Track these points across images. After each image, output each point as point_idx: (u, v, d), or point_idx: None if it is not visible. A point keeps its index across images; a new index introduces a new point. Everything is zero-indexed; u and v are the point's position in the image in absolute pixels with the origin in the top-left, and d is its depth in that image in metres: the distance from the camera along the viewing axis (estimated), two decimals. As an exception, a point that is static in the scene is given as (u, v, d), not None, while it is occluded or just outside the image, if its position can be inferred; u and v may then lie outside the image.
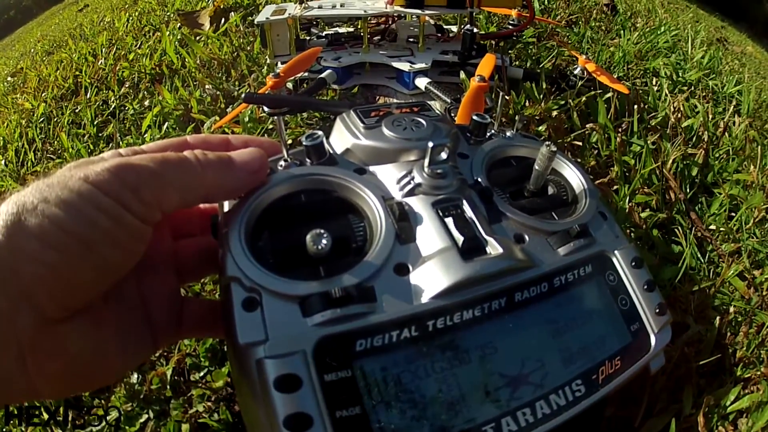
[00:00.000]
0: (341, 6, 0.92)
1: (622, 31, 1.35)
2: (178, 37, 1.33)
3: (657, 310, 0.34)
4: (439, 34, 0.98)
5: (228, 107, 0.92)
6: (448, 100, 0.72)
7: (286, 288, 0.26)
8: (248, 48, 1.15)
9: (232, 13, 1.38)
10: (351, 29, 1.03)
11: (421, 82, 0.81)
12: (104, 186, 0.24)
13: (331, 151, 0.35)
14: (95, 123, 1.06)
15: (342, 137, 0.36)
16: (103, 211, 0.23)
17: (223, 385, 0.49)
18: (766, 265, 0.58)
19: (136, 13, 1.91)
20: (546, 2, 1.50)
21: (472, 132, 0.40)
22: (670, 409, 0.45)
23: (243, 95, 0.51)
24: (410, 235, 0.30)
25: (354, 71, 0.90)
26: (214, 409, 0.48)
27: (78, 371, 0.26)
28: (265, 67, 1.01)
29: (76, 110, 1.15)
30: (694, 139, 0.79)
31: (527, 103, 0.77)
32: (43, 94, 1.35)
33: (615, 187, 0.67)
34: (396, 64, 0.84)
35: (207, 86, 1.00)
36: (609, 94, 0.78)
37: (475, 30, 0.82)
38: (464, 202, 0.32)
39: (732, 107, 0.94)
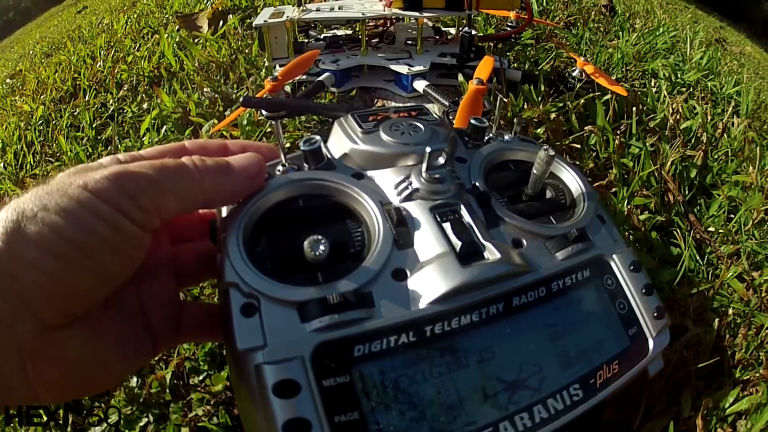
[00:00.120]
0: (339, 9, 0.92)
1: (620, 33, 1.35)
2: (177, 40, 1.33)
3: (655, 314, 0.34)
4: (437, 37, 0.98)
5: (226, 110, 0.92)
6: (447, 103, 0.72)
7: (285, 294, 0.26)
8: (246, 51, 1.15)
9: (230, 15, 1.39)
10: (349, 32, 1.03)
11: (420, 85, 0.81)
12: (103, 194, 0.24)
13: (329, 156, 0.35)
14: (94, 126, 1.06)
15: (340, 142, 0.37)
16: (102, 219, 0.24)
17: (222, 388, 0.49)
18: (765, 267, 0.58)
19: (135, 16, 1.91)
20: (544, 3, 1.50)
21: (470, 136, 0.40)
22: (669, 411, 0.45)
23: (241, 99, 0.51)
24: (408, 240, 0.30)
25: (352, 74, 0.90)
26: (214, 413, 0.48)
27: (78, 377, 0.26)
28: (264, 70, 1.01)
29: (75, 113, 1.15)
30: (692, 140, 0.79)
31: (525, 106, 0.77)
32: (41, 97, 1.35)
33: (613, 189, 0.67)
34: (394, 67, 0.84)
35: (205, 89, 1.00)
36: (607, 96, 0.78)
37: (474, 32, 0.82)
38: (462, 206, 0.32)
39: (731, 108, 0.94)
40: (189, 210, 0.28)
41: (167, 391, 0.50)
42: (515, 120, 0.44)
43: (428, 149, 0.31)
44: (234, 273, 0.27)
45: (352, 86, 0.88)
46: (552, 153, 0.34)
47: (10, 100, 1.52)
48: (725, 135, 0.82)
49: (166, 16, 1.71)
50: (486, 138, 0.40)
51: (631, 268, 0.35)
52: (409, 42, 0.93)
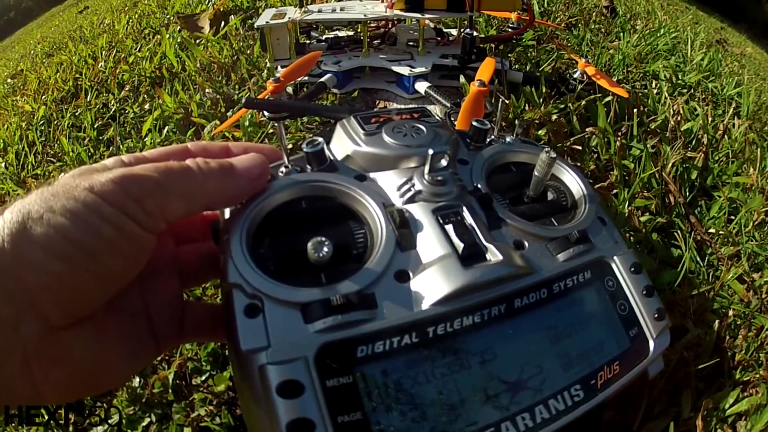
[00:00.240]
0: (341, 10, 0.92)
1: (621, 34, 1.35)
2: (178, 40, 1.33)
3: (656, 315, 0.35)
4: (439, 38, 0.98)
5: (228, 111, 0.92)
6: (448, 105, 0.73)
7: (288, 295, 0.26)
8: (248, 51, 1.15)
9: (232, 16, 1.39)
10: (351, 33, 1.03)
11: (421, 86, 0.81)
12: (109, 196, 0.24)
13: (332, 158, 0.35)
14: (95, 126, 1.07)
15: (342, 144, 0.37)
16: (107, 222, 0.24)
17: (224, 389, 0.49)
18: (766, 268, 0.58)
19: (136, 16, 1.92)
20: (545, 5, 1.50)
21: (472, 138, 0.40)
22: (669, 412, 0.45)
23: (243, 100, 0.52)
24: (410, 242, 0.30)
25: (354, 75, 0.90)
26: (216, 413, 0.48)
27: (82, 376, 0.26)
28: (265, 71, 1.01)
29: (77, 113, 1.16)
30: (693, 142, 0.79)
31: (527, 107, 0.77)
32: (43, 97, 1.35)
33: (614, 191, 0.67)
34: (396, 68, 0.84)
35: (207, 90, 1.00)
36: (608, 98, 0.78)
37: (475, 33, 0.82)
38: (464, 208, 0.32)
39: (731, 109, 0.94)
40: (193, 212, 0.28)
41: (170, 391, 0.50)
42: (517, 122, 0.44)
43: (431, 151, 0.31)
44: (237, 274, 0.27)
45: (353, 87, 0.88)
46: (553, 155, 0.35)
47: (11, 100, 1.52)
48: (726, 136, 0.82)
49: (168, 16, 1.72)
50: (488, 140, 0.40)
51: (632, 269, 0.35)
52: (411, 43, 0.93)
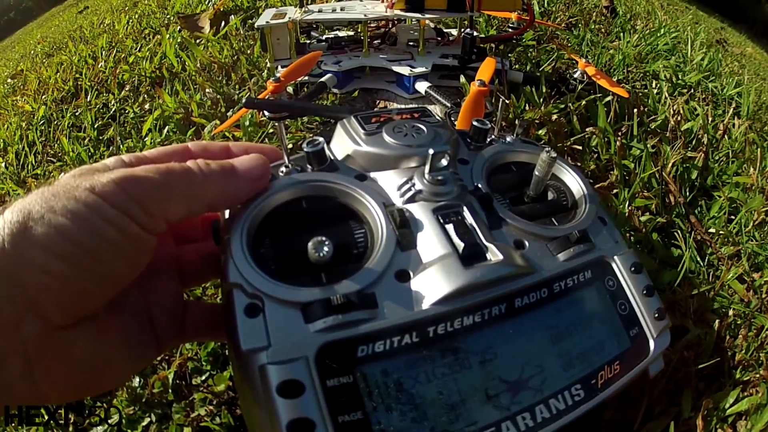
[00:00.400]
0: (341, 10, 0.92)
1: (621, 34, 1.35)
2: (178, 40, 1.33)
3: (656, 315, 0.35)
4: (439, 38, 0.98)
5: (228, 111, 0.92)
6: (449, 104, 0.73)
7: (288, 294, 0.26)
8: (248, 51, 1.15)
9: (232, 16, 1.39)
10: (351, 33, 1.03)
11: (422, 86, 0.81)
12: (111, 197, 0.24)
13: (332, 158, 0.35)
14: (96, 126, 1.07)
15: (343, 143, 0.37)
16: (109, 222, 0.24)
17: (224, 388, 0.49)
18: (766, 268, 0.58)
19: (136, 16, 1.91)
20: (545, 5, 1.50)
21: (473, 137, 0.40)
22: (669, 412, 0.45)
23: (243, 100, 0.52)
24: (411, 241, 0.30)
25: (354, 75, 0.90)
26: (216, 413, 0.48)
27: (83, 376, 0.26)
28: (266, 71, 1.01)
29: (77, 113, 1.16)
30: (693, 142, 0.79)
31: (527, 107, 0.77)
32: (43, 97, 1.35)
33: (615, 190, 0.67)
34: (396, 68, 0.84)
35: (207, 90, 1.00)
36: (609, 98, 0.78)
37: (475, 33, 0.82)
38: (464, 208, 0.32)
39: (732, 109, 0.94)
40: (195, 214, 0.28)
41: (170, 391, 0.50)
42: (517, 121, 0.44)
43: (431, 151, 0.31)
44: (238, 274, 0.27)
45: (354, 87, 0.88)
46: (554, 154, 0.35)
47: (11, 100, 1.52)
48: (726, 136, 0.82)
49: (168, 16, 1.72)
50: (488, 140, 0.40)
51: (632, 269, 0.35)
52: (411, 43, 0.93)
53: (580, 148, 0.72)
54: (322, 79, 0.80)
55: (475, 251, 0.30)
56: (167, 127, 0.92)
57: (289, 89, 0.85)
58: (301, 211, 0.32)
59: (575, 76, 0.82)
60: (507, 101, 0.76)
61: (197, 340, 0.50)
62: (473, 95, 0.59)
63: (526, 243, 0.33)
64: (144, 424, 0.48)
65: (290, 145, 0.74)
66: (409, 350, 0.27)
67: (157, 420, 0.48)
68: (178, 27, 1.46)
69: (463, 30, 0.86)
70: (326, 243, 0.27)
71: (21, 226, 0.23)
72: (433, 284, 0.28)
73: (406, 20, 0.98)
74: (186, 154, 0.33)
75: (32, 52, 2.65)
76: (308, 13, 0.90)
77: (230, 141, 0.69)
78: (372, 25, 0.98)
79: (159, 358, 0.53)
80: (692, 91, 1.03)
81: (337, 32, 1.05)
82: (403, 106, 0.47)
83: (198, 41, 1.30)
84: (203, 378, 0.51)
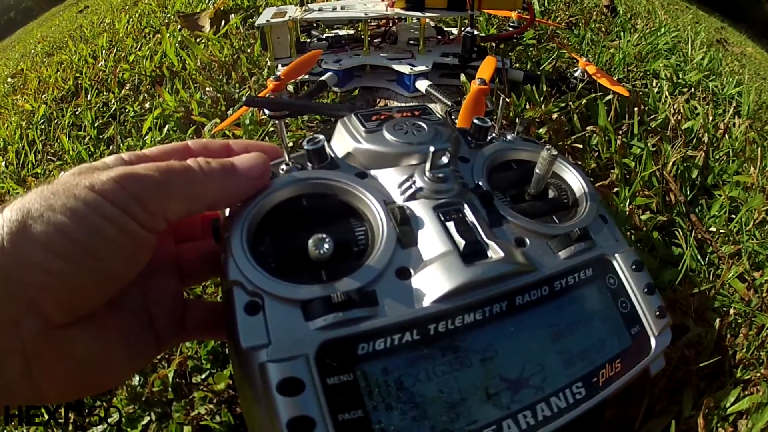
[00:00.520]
0: (342, 8, 0.92)
1: (622, 33, 1.35)
2: (179, 39, 1.33)
3: (657, 313, 0.34)
4: (440, 37, 0.98)
5: (229, 110, 0.92)
6: (449, 103, 0.72)
7: (288, 292, 0.26)
8: (249, 50, 1.15)
9: (233, 15, 1.39)
10: (351, 32, 1.03)
11: (422, 85, 0.81)
12: (110, 195, 0.24)
13: (333, 155, 0.35)
14: (96, 125, 1.07)
15: (343, 141, 0.37)
16: (108, 221, 0.24)
17: (224, 387, 0.49)
18: (766, 267, 0.58)
19: (137, 15, 1.91)
20: (546, 4, 1.50)
21: (473, 135, 0.40)
22: (670, 410, 0.45)
23: (244, 98, 0.52)
24: (412, 239, 0.30)
25: (354, 74, 0.90)
26: (216, 412, 0.48)
27: (83, 375, 0.26)
28: (266, 70, 1.01)
29: (77, 112, 1.16)
30: (694, 141, 0.79)
31: (528, 106, 0.77)
32: (43, 96, 1.35)
33: (615, 189, 0.67)
34: (396, 67, 0.84)
35: (207, 89, 1.00)
36: (609, 97, 0.78)
37: (476, 32, 0.82)
38: (465, 206, 0.32)
39: (732, 109, 0.94)
40: (194, 212, 0.28)
41: (170, 389, 0.50)
42: (517, 120, 0.44)
43: (431, 149, 0.31)
44: (238, 271, 0.27)
45: (354, 86, 0.88)
46: (554, 152, 0.35)
47: (11, 99, 1.52)
48: (726, 135, 0.82)
49: (168, 15, 1.72)
50: (489, 138, 0.40)
51: (633, 267, 0.35)
52: (412, 42, 0.93)
53: (581, 146, 0.72)
54: (323, 78, 0.80)
55: (476, 249, 0.30)
56: (167, 125, 0.92)
57: (290, 88, 0.85)
58: (301, 209, 0.32)
59: (576, 74, 0.82)
60: (507, 100, 0.76)
61: (197, 338, 0.50)
62: (474, 94, 0.59)
63: (527, 241, 0.33)
64: (144, 422, 0.48)
65: (290, 143, 0.75)
66: (410, 348, 0.26)
67: (157, 419, 0.48)
68: (179, 26, 1.46)
69: (463, 29, 0.86)
70: (327, 240, 0.27)
71: (20, 225, 0.22)
72: (433, 282, 0.28)
73: (407, 19, 0.98)
74: (186, 153, 0.33)
75: (32, 51, 2.65)
76: (308, 12, 0.90)
77: (230, 139, 0.69)
78: (372, 23, 0.98)
79: (159, 357, 0.53)
80: (693, 90, 1.03)
81: (337, 31, 1.04)
82: (403, 104, 0.47)
83: (198, 40, 1.30)
84: (203, 376, 0.51)
